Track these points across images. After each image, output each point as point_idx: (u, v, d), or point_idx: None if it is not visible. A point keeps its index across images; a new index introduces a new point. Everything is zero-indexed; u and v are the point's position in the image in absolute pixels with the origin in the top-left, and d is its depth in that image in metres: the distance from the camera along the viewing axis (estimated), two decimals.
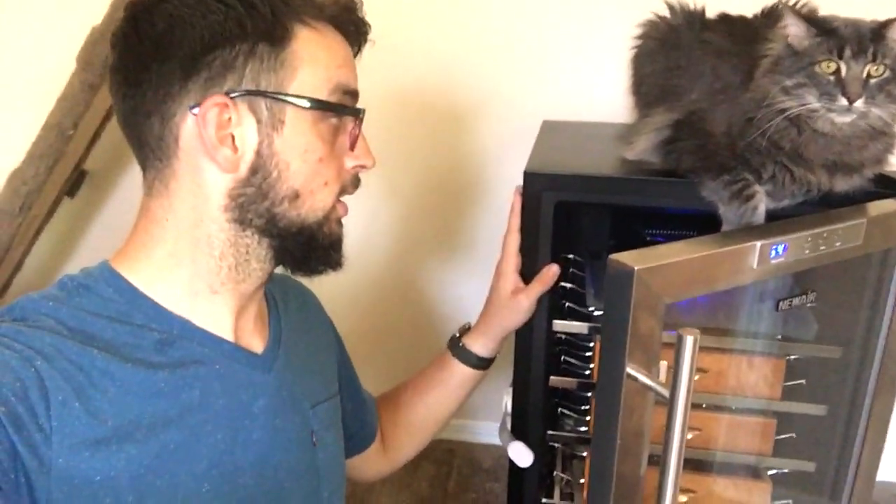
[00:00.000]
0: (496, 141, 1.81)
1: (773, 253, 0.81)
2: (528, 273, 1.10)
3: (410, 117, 1.77)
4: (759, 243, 0.80)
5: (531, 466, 1.16)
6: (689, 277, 0.77)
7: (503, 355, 1.99)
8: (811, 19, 0.92)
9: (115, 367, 0.67)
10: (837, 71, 0.89)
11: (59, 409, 0.63)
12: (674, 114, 1.12)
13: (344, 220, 0.81)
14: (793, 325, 1.13)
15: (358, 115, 0.76)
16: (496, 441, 2.11)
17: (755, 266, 0.81)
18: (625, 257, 0.74)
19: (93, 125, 1.68)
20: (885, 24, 0.89)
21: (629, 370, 0.75)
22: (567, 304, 1.27)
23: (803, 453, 1.19)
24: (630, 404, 0.77)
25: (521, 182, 1.08)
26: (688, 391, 0.70)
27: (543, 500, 1.27)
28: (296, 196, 0.72)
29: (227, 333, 0.77)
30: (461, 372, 1.11)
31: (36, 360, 0.63)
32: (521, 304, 1.07)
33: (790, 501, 1.22)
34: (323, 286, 0.89)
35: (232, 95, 0.68)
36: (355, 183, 0.80)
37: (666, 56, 1.22)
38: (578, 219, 1.48)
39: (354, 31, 0.78)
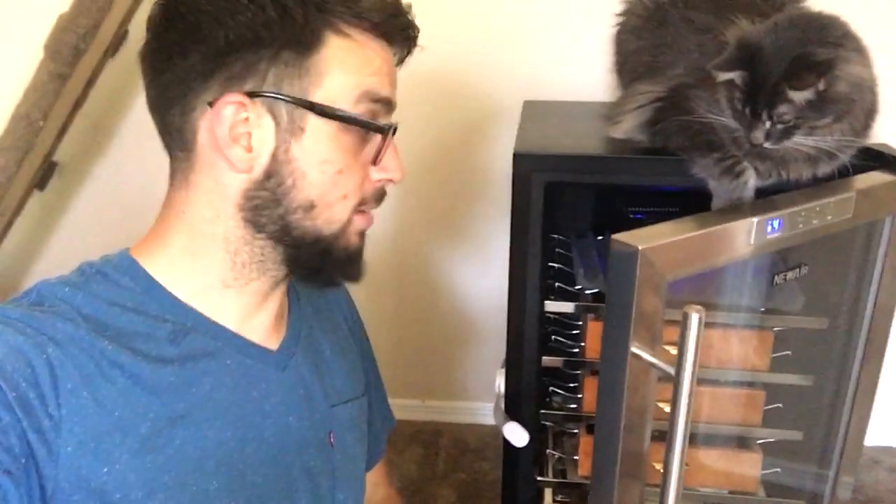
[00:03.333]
0: (478, 122, 1.81)
1: (770, 228, 0.82)
2: (518, 259, 1.10)
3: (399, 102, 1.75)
4: (755, 219, 0.81)
5: (525, 445, 1.16)
6: (690, 255, 0.78)
7: (493, 335, 2.01)
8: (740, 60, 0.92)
9: (125, 358, 0.66)
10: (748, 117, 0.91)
11: (67, 397, 0.62)
12: (658, 89, 1.12)
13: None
14: (780, 297, 1.15)
15: (382, 131, 0.72)
16: (482, 420, 2.14)
17: (752, 242, 0.82)
18: (627, 237, 0.74)
19: (62, 115, 1.64)
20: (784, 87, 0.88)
21: (634, 349, 0.75)
22: (556, 284, 1.27)
23: (791, 423, 1.21)
24: (634, 382, 0.77)
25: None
26: (693, 368, 0.70)
27: (538, 478, 1.29)
28: (311, 206, 0.70)
29: (240, 328, 0.75)
30: None
31: (48, 346, 0.63)
32: None
33: (779, 469, 1.25)
34: None
35: (252, 96, 0.67)
36: (378, 197, 0.75)
37: (651, 33, 1.22)
38: (562, 199, 1.48)
39: (401, 38, 0.74)
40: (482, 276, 1.98)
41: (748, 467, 1.23)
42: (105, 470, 0.63)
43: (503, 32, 1.74)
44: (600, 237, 1.45)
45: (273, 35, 0.66)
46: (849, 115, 0.90)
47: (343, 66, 0.68)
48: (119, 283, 0.71)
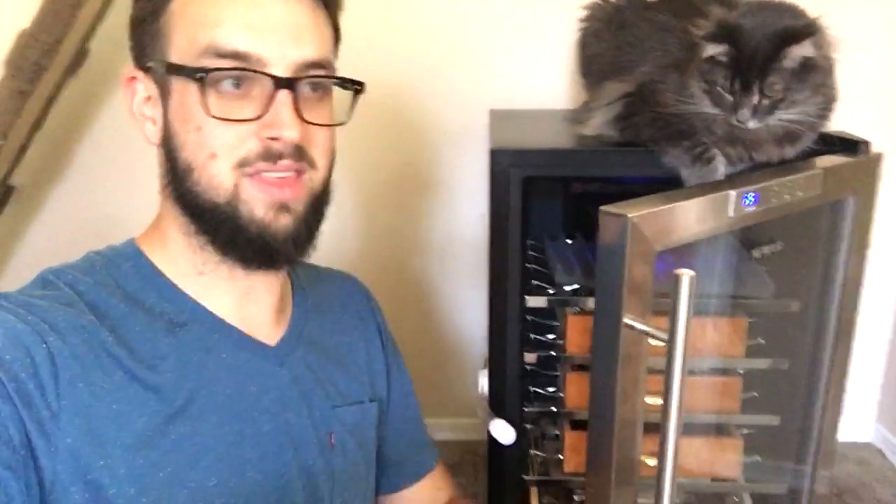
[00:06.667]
0: (446, 131, 1.84)
1: (746, 201, 0.85)
2: (498, 255, 1.11)
3: (364, 115, 1.76)
4: (733, 192, 0.84)
5: (511, 444, 1.16)
6: (675, 224, 0.80)
7: (472, 338, 2.00)
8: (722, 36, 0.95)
9: (123, 352, 0.65)
10: (735, 94, 0.94)
11: (67, 388, 0.61)
12: (625, 86, 1.16)
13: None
14: (752, 285, 1.18)
15: (198, 78, 0.65)
16: (458, 437, 2.12)
17: (731, 214, 0.84)
18: (616, 208, 0.76)
19: (21, 135, 1.60)
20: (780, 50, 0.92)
21: (626, 320, 0.77)
22: (534, 282, 1.29)
23: (768, 408, 1.24)
24: (628, 352, 0.78)
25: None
26: (686, 331, 0.71)
27: (524, 477, 1.28)
28: (189, 170, 0.67)
29: (237, 321, 0.74)
30: None
31: (48, 335, 0.62)
32: None
33: (759, 458, 1.27)
34: None
35: (139, 68, 0.70)
36: (266, 156, 0.67)
37: (613, 35, 1.26)
38: (532, 207, 1.51)
39: None
40: (457, 290, 1.99)
41: (730, 453, 1.25)
42: (101, 463, 0.62)
43: (469, 46, 1.78)
44: (569, 240, 1.48)
45: (143, 7, 0.69)
46: (822, 88, 0.95)
47: (184, 22, 0.67)
48: (122, 269, 0.71)
